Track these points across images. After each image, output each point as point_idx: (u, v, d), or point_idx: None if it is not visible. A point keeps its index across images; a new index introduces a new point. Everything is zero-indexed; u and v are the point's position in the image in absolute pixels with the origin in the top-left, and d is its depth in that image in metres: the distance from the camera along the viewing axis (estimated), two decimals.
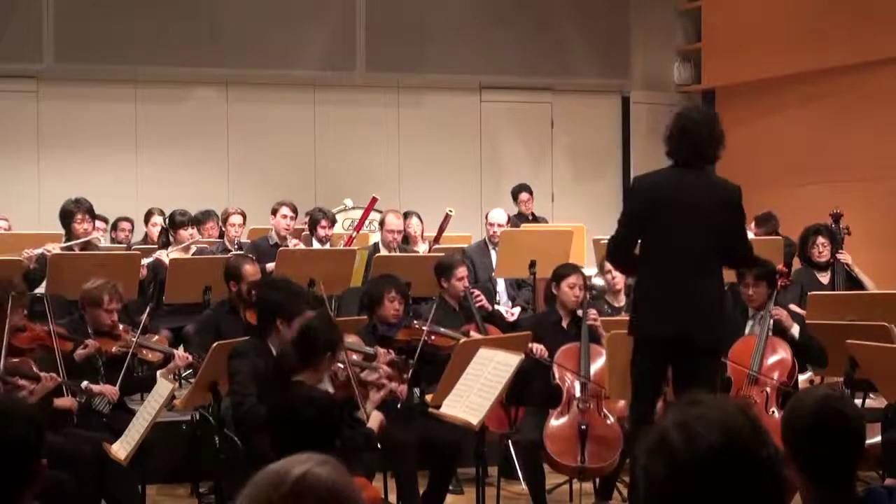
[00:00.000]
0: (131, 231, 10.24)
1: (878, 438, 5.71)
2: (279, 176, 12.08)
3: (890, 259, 10.05)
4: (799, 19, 11.44)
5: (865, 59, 10.75)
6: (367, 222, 9.64)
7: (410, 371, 6.25)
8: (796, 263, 8.57)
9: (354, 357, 5.82)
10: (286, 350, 5.28)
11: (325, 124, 12.51)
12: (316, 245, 8.84)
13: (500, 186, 12.48)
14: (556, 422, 6.26)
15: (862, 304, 7.27)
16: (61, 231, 8.18)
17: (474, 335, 6.87)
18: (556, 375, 6.40)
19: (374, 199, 9.43)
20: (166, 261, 8.03)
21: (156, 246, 8.87)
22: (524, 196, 10.66)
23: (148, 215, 9.77)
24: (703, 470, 1.83)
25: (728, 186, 5.44)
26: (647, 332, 5.30)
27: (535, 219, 10.66)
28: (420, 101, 12.81)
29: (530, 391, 6.39)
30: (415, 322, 6.72)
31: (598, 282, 7.73)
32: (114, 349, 6.15)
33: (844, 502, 2.79)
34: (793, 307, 7.67)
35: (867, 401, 6.59)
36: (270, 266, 7.76)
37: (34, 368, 5.65)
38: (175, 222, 8.78)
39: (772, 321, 6.47)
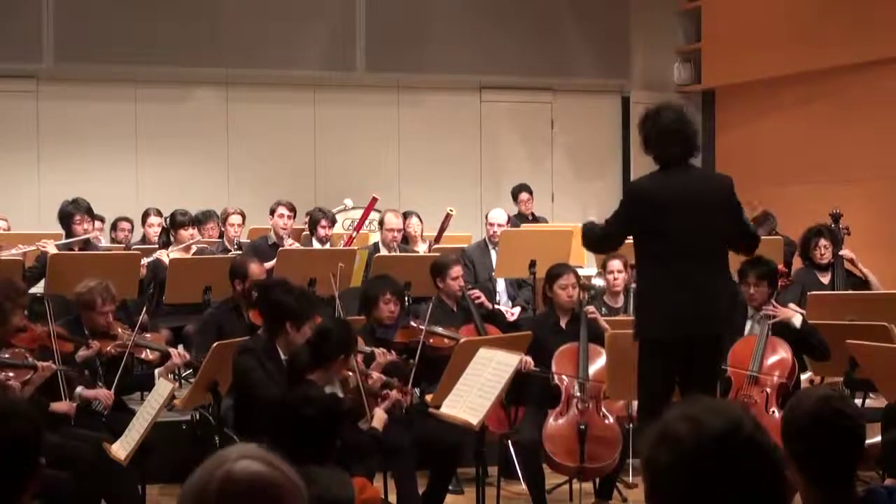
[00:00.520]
0: (131, 231, 10.24)
1: (878, 438, 5.71)
2: (279, 176, 12.08)
3: (890, 259, 10.05)
4: (799, 19, 11.44)
5: (865, 59, 10.75)
6: (366, 222, 9.64)
7: (412, 372, 6.24)
8: (797, 263, 8.57)
9: (358, 359, 5.82)
10: (300, 349, 5.30)
11: (325, 124, 12.51)
12: (316, 245, 8.84)
13: (500, 186, 12.48)
14: (555, 422, 6.26)
15: (862, 304, 7.28)
16: (61, 231, 8.19)
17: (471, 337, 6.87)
18: (555, 375, 6.40)
19: (375, 199, 9.43)
20: (166, 261, 8.03)
21: (155, 246, 8.87)
22: (524, 196, 10.66)
23: (145, 216, 9.76)
24: (709, 456, 1.84)
25: (721, 179, 5.48)
26: (658, 332, 5.26)
27: (535, 219, 10.66)
28: (420, 101, 12.81)
29: (530, 391, 6.40)
30: (412, 322, 6.72)
31: (598, 282, 7.73)
32: (111, 349, 6.15)
33: (844, 502, 2.79)
34: (792, 307, 7.68)
35: (867, 401, 6.59)
36: (269, 264, 7.75)
37: (29, 358, 5.64)
38: (176, 222, 8.78)
39: (771, 322, 6.47)
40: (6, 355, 5.64)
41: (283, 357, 5.50)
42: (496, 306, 8.34)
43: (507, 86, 13.02)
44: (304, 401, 4.04)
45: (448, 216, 9.39)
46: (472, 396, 5.24)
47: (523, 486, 6.45)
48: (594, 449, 6.12)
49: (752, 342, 6.44)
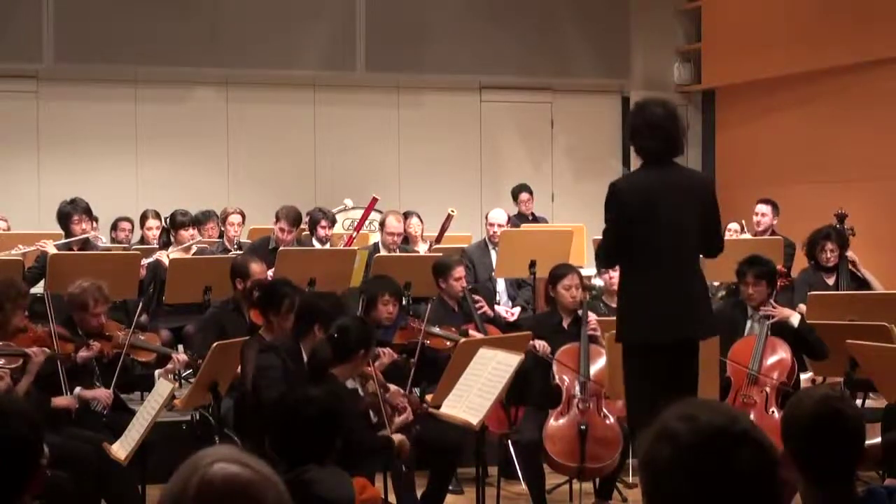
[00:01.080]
0: (131, 231, 10.24)
1: (878, 438, 5.71)
2: (279, 176, 12.08)
3: (890, 259, 10.05)
4: (799, 19, 11.43)
5: (865, 59, 10.74)
6: (367, 222, 9.63)
7: (412, 372, 6.25)
8: (804, 263, 8.53)
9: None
10: (320, 345, 5.31)
11: (325, 124, 12.51)
12: (316, 245, 8.83)
13: (500, 186, 12.47)
14: (555, 422, 6.26)
15: (862, 304, 7.28)
16: (61, 231, 8.20)
17: (473, 334, 6.88)
18: (556, 375, 6.40)
19: (375, 200, 9.43)
20: (166, 262, 8.02)
21: (154, 246, 8.88)
22: (524, 196, 10.64)
23: (143, 218, 9.74)
24: (706, 452, 1.85)
25: (704, 179, 5.44)
26: (643, 338, 5.20)
27: (535, 219, 10.65)
28: (420, 101, 12.81)
29: (530, 391, 6.40)
30: (411, 322, 6.72)
31: (598, 282, 7.74)
32: (106, 350, 6.14)
33: (844, 502, 2.79)
34: (801, 306, 7.68)
35: (867, 401, 6.59)
36: (271, 271, 7.71)
37: (17, 347, 5.64)
38: (176, 222, 8.78)
39: (770, 322, 6.47)
40: None
41: (306, 359, 5.51)
42: (496, 307, 8.36)
43: (507, 86, 13.02)
44: (304, 401, 4.03)
45: (449, 217, 9.38)
46: (472, 396, 5.24)
47: (523, 486, 6.45)
48: (594, 449, 6.12)
49: (752, 342, 6.44)
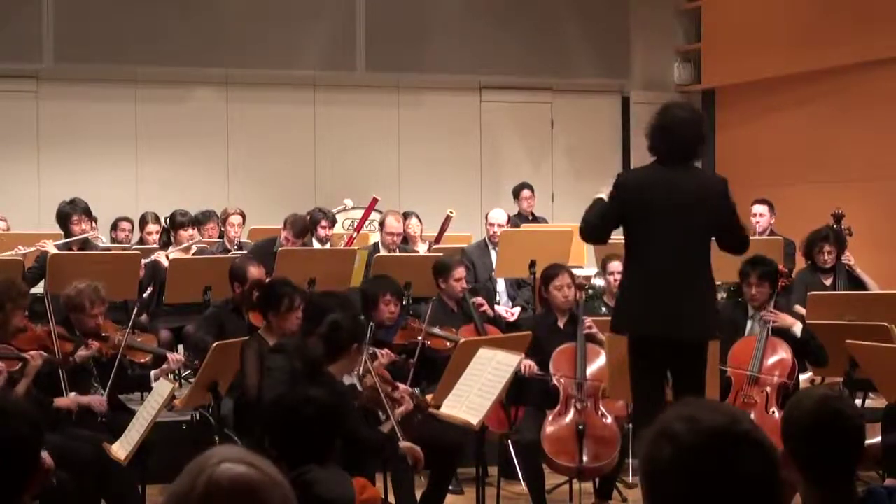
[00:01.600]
0: (131, 231, 10.24)
1: (878, 438, 5.71)
2: (279, 176, 12.09)
3: (890, 259, 10.05)
4: (799, 19, 11.44)
5: (865, 59, 10.74)
6: (367, 222, 9.63)
7: (411, 372, 6.25)
8: (800, 263, 8.55)
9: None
10: (314, 343, 5.31)
11: (325, 124, 12.51)
12: (316, 245, 8.83)
13: (500, 186, 12.47)
14: (553, 422, 6.26)
15: (862, 304, 7.28)
16: (61, 231, 8.19)
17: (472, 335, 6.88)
18: (553, 376, 6.40)
19: (375, 200, 9.43)
20: (165, 262, 8.02)
21: (154, 247, 8.88)
22: (526, 193, 10.58)
23: (143, 223, 9.72)
24: (707, 452, 1.85)
25: (716, 181, 5.45)
26: (631, 329, 5.26)
27: (535, 219, 10.65)
28: (420, 101, 12.81)
29: (529, 391, 6.40)
30: (412, 322, 6.72)
31: (598, 282, 7.74)
32: (103, 351, 6.14)
33: (844, 502, 2.79)
34: (798, 308, 7.68)
35: (867, 401, 6.59)
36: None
37: (14, 350, 5.64)
38: (176, 223, 8.79)
39: (770, 326, 6.47)
40: None
41: None
42: (496, 307, 8.36)
43: (507, 86, 13.02)
44: (304, 401, 4.03)
45: (448, 218, 9.38)
46: (472, 396, 5.25)
47: (523, 486, 6.45)
48: (593, 449, 6.12)
49: (752, 342, 6.44)
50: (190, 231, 8.76)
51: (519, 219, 10.26)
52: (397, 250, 8.71)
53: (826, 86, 11.33)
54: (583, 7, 13.03)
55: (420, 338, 6.50)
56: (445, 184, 12.39)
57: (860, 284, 8.19)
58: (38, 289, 7.56)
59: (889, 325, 6.29)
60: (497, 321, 7.81)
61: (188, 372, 7.29)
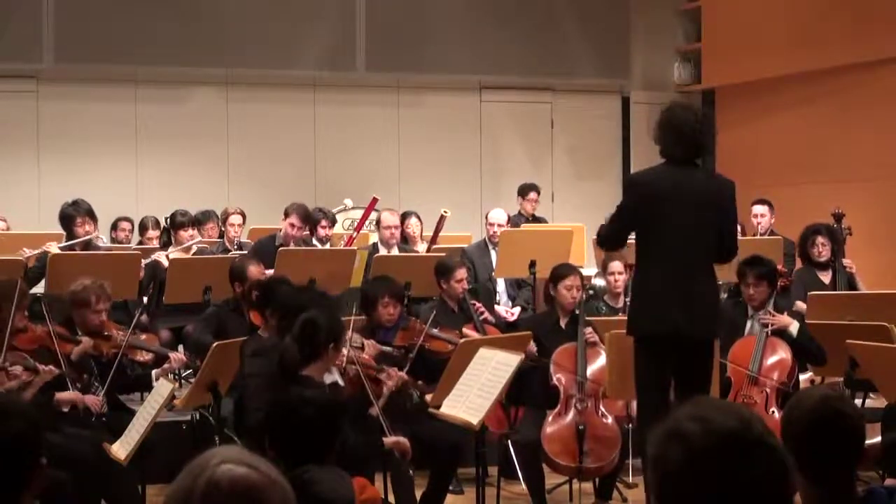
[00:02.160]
0: (131, 231, 10.24)
1: (878, 438, 5.71)
2: (279, 176, 12.08)
3: (890, 259, 10.06)
4: (799, 19, 11.44)
5: (865, 59, 10.75)
6: (367, 222, 9.62)
7: (409, 363, 6.23)
8: (798, 263, 8.57)
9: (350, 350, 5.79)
10: (288, 345, 5.27)
11: (325, 124, 12.51)
12: (316, 245, 8.83)
13: (500, 186, 12.48)
14: (553, 422, 6.26)
15: (862, 304, 7.28)
16: (61, 231, 8.19)
17: (472, 334, 6.87)
18: (554, 375, 6.40)
19: (375, 200, 9.42)
20: (165, 262, 8.02)
21: (154, 247, 8.87)
22: (533, 195, 10.51)
23: (142, 228, 9.71)
24: (719, 453, 1.84)
25: (725, 182, 5.48)
26: (646, 330, 5.30)
27: (535, 219, 10.64)
28: (420, 101, 12.81)
29: (530, 391, 6.40)
30: (412, 323, 6.70)
31: (599, 282, 7.74)
32: (104, 350, 6.14)
33: (844, 502, 2.79)
34: (799, 304, 7.71)
35: (867, 401, 6.59)
36: (270, 272, 7.70)
37: (31, 361, 5.63)
38: (176, 223, 8.79)
39: (769, 329, 6.47)
40: (7, 363, 5.63)
41: None
42: (496, 307, 8.36)
43: (507, 86, 13.02)
44: (303, 401, 4.03)
45: (442, 217, 9.38)
46: (472, 396, 5.24)
47: (523, 486, 6.45)
48: (593, 449, 6.12)
49: (752, 342, 6.44)
50: (190, 231, 8.76)
51: (519, 218, 10.25)
52: (396, 248, 8.72)
53: (826, 86, 11.32)
54: (583, 7, 13.03)
55: (419, 340, 6.47)
56: (445, 184, 12.39)
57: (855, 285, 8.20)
58: (39, 288, 7.56)
59: (889, 325, 6.29)
60: (496, 323, 7.81)
61: (188, 372, 7.29)
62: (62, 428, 5.58)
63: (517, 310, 8.49)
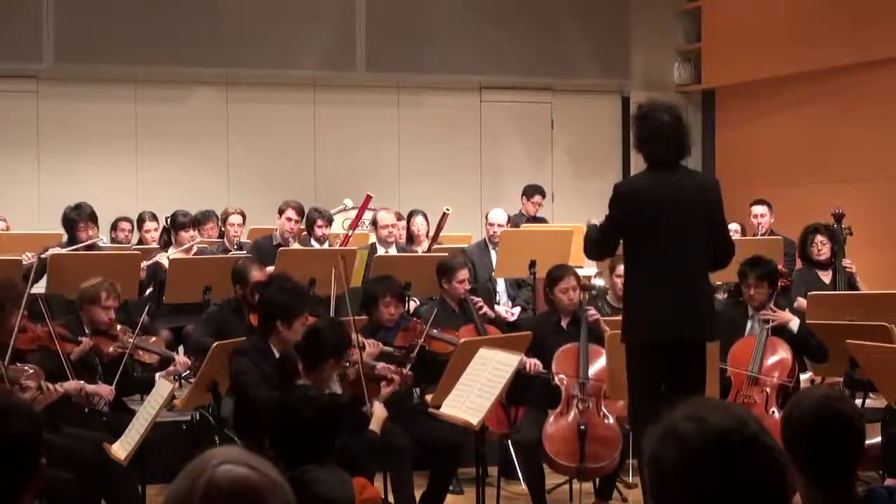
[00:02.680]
0: (131, 231, 10.24)
1: (878, 438, 5.71)
2: (279, 176, 12.08)
3: (890, 259, 10.06)
4: (799, 19, 11.44)
5: (865, 59, 10.74)
6: (361, 222, 9.61)
7: (410, 363, 6.23)
8: (798, 263, 8.57)
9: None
10: (290, 353, 5.28)
11: (325, 124, 12.51)
12: (315, 245, 8.83)
13: (500, 186, 12.48)
14: (555, 422, 6.25)
15: (862, 304, 7.28)
16: (60, 231, 8.19)
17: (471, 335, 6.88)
18: (556, 375, 6.40)
19: (369, 197, 9.42)
20: (165, 263, 8.03)
21: (154, 247, 8.87)
22: (537, 198, 10.48)
23: (140, 221, 9.73)
24: (715, 453, 1.84)
25: (711, 183, 5.48)
26: (646, 335, 5.26)
27: (536, 219, 10.63)
28: (420, 101, 12.81)
29: (530, 391, 6.40)
30: (413, 323, 6.71)
31: (599, 282, 7.73)
32: (111, 350, 6.14)
33: (844, 502, 2.79)
34: (800, 300, 7.72)
35: (867, 401, 6.59)
36: (271, 269, 7.73)
37: (41, 380, 5.59)
38: (177, 224, 8.80)
39: (769, 326, 6.47)
40: (11, 374, 5.61)
41: (276, 355, 5.49)
42: (496, 307, 8.35)
43: (507, 86, 13.02)
44: (303, 401, 4.03)
45: (444, 215, 9.39)
46: (472, 396, 5.24)
47: (523, 486, 6.45)
48: (594, 449, 6.12)
49: (752, 342, 6.44)
50: (191, 232, 8.77)
51: (519, 218, 10.25)
52: (395, 248, 8.73)
53: (826, 86, 11.33)
54: (583, 7, 13.03)
55: (420, 340, 6.47)
56: (445, 184, 12.38)
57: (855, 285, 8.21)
58: (38, 288, 7.55)
59: (889, 325, 6.29)
60: (497, 321, 7.81)
61: (188, 372, 7.29)
62: (62, 428, 5.58)
63: (517, 310, 8.49)
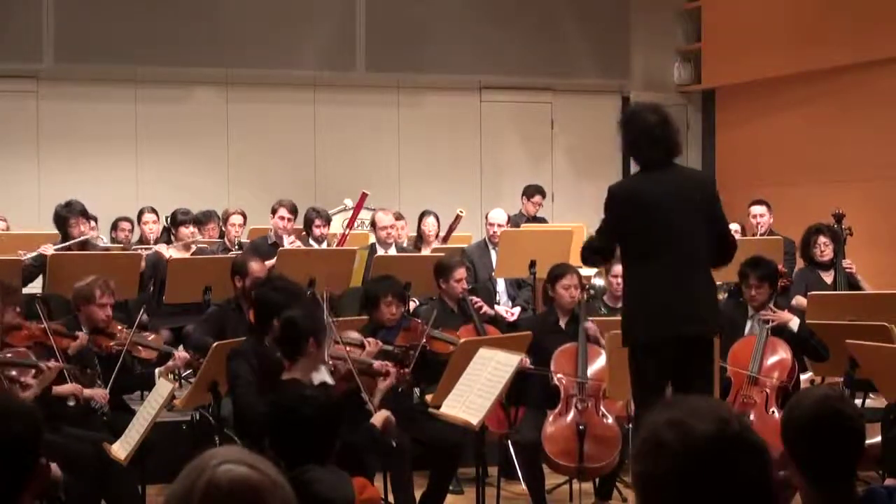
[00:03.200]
0: (131, 231, 10.25)
1: (878, 438, 5.71)
2: (279, 176, 12.08)
3: (890, 259, 10.06)
4: (799, 19, 11.44)
5: (865, 59, 10.75)
6: (359, 222, 9.61)
7: (412, 362, 6.22)
8: (799, 263, 8.57)
9: (348, 348, 5.78)
10: (271, 349, 5.25)
11: (325, 124, 12.51)
12: (313, 245, 8.84)
13: (500, 186, 12.48)
14: (554, 422, 6.25)
15: (862, 304, 7.28)
16: (59, 232, 8.18)
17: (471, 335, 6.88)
18: (554, 376, 6.39)
19: (364, 196, 9.41)
20: (166, 254, 8.03)
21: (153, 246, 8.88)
22: (537, 198, 10.48)
23: (139, 214, 9.75)
24: (701, 461, 1.85)
25: (707, 179, 5.47)
26: (649, 335, 5.24)
27: (535, 219, 10.63)
28: (420, 101, 12.81)
29: (530, 391, 6.40)
30: (414, 323, 6.70)
31: (598, 282, 7.74)
32: (111, 346, 6.14)
33: (844, 502, 2.79)
34: (799, 298, 7.72)
35: (867, 401, 6.59)
36: (270, 263, 7.74)
37: (32, 357, 5.61)
38: (177, 220, 8.81)
39: (769, 326, 6.47)
40: (8, 354, 5.62)
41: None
42: (496, 307, 8.36)
43: (507, 86, 13.02)
44: (302, 400, 4.03)
45: (458, 217, 9.37)
46: (472, 396, 5.24)
47: (523, 486, 6.45)
48: (594, 449, 6.12)
49: (752, 343, 6.44)
50: (191, 228, 8.78)
51: (519, 218, 10.25)
52: (394, 248, 8.74)
53: (826, 86, 11.33)
54: (583, 7, 13.03)
55: (421, 340, 6.47)
56: (445, 184, 12.39)
57: (860, 290, 8.20)
58: (35, 288, 7.55)
59: (889, 325, 6.29)
60: (497, 321, 7.81)
61: (188, 372, 7.29)
62: (62, 428, 5.58)
63: (517, 310, 8.49)
